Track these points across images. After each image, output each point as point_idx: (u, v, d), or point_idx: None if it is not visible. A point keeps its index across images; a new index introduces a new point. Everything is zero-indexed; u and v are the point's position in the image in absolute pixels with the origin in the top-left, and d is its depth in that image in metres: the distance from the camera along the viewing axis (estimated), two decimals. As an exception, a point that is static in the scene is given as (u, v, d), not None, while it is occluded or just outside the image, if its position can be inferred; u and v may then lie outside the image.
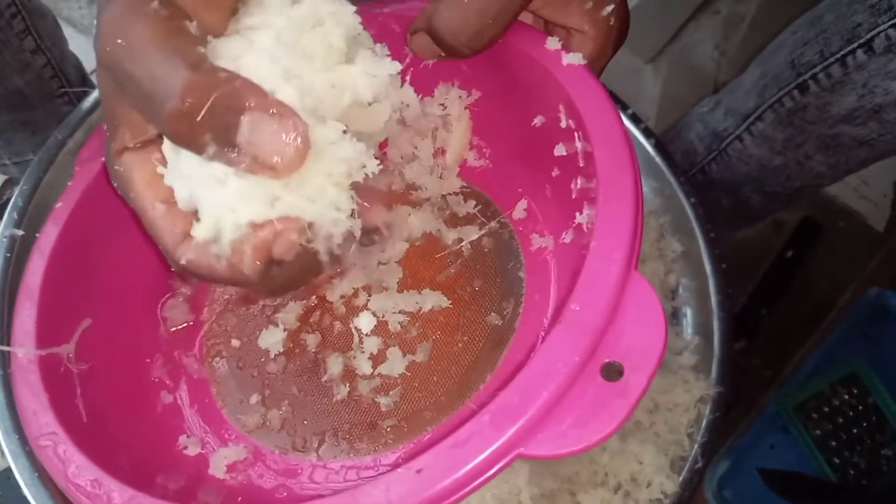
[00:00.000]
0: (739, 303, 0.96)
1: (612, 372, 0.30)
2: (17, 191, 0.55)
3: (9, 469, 0.84)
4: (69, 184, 0.46)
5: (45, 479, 0.47)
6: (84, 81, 0.77)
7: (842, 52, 0.58)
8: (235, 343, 0.50)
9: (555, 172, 0.45)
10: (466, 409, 0.44)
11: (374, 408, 0.46)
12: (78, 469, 0.36)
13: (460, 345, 0.47)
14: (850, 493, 0.77)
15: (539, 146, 0.45)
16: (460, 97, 0.49)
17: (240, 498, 0.43)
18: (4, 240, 0.54)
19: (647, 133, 0.60)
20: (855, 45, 0.57)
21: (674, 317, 0.57)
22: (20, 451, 0.48)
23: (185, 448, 0.45)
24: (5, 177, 0.88)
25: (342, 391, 0.46)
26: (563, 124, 0.41)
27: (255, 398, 0.48)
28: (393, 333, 0.48)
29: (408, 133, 0.51)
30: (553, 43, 0.40)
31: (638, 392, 0.30)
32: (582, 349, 0.30)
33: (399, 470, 0.30)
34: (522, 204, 0.49)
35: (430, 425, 0.44)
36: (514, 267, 0.49)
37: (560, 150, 0.42)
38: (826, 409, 0.81)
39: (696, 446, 0.49)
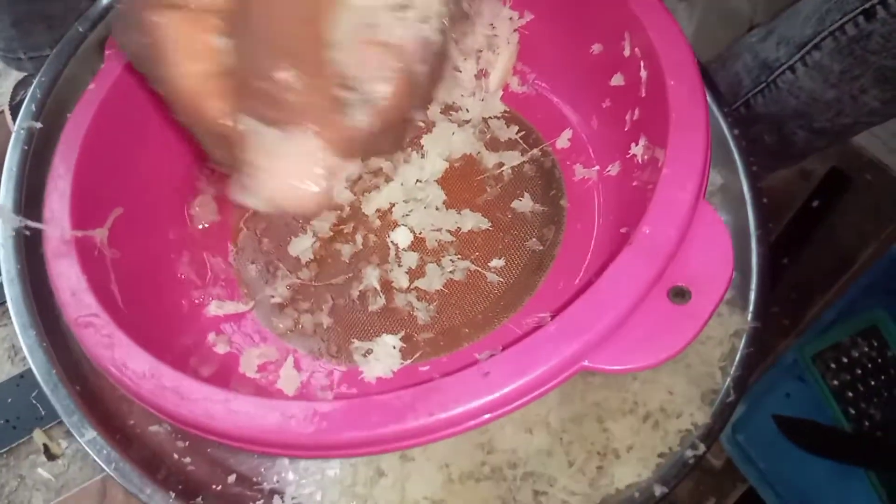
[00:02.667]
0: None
1: (680, 294, 0.31)
2: (34, 82, 0.53)
3: (19, 376, 0.84)
4: (101, 66, 0.44)
5: (62, 376, 0.46)
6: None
7: None
8: (266, 246, 0.49)
9: (606, 104, 0.44)
10: (505, 328, 0.43)
11: (410, 320, 0.45)
12: (126, 352, 0.35)
13: (499, 266, 0.45)
14: (864, 443, 0.77)
15: (592, 75, 0.44)
16: (511, 18, 0.48)
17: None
18: (22, 132, 0.52)
19: (693, 60, 0.58)
20: None
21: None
22: (37, 346, 0.47)
23: (215, 345, 0.45)
24: (19, 77, 0.85)
25: (378, 302, 0.46)
26: (627, 53, 0.40)
27: (286, 302, 0.46)
28: (430, 250, 0.47)
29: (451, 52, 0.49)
30: None
31: (706, 314, 0.30)
32: (652, 270, 0.31)
33: (467, 371, 0.30)
34: (567, 133, 0.49)
35: (467, 341, 0.44)
36: (556, 195, 0.48)
37: (617, 80, 0.43)
38: (844, 360, 0.80)
39: (728, 380, 0.48)
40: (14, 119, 0.95)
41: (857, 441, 0.77)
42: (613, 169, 0.44)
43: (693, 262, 0.32)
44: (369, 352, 0.43)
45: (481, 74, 0.51)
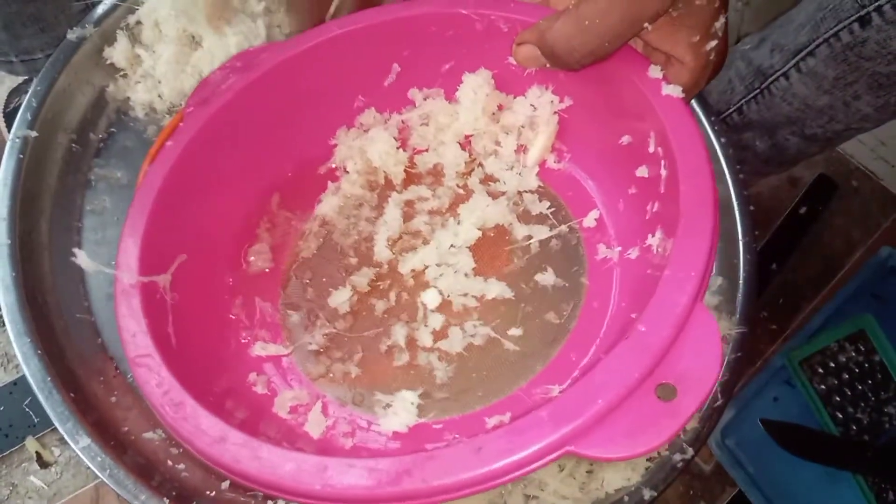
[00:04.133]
0: (750, 256, 0.95)
1: (667, 392, 0.33)
2: (30, 91, 0.54)
3: (12, 383, 0.85)
4: (181, 124, 0.48)
5: (56, 384, 0.47)
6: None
7: None
8: (310, 295, 0.51)
9: (632, 190, 0.47)
10: (515, 395, 0.46)
11: (429, 378, 0.48)
12: (170, 391, 0.38)
13: (516, 335, 0.49)
14: (851, 447, 0.78)
15: (621, 163, 0.47)
16: (552, 102, 0.51)
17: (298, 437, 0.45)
18: (18, 140, 0.52)
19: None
20: None
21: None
22: (32, 353, 0.47)
23: (255, 385, 0.47)
24: (13, 85, 0.85)
25: (402, 358, 0.48)
26: (651, 150, 0.43)
27: (321, 349, 0.49)
28: (455, 313, 0.50)
29: (494, 128, 0.54)
30: (655, 71, 0.42)
31: (687, 414, 0.32)
32: (642, 367, 0.33)
33: (460, 445, 0.32)
34: (594, 213, 0.51)
35: (479, 404, 0.46)
36: (578, 272, 0.51)
37: (642, 172, 0.45)
38: (832, 365, 0.81)
39: (716, 384, 0.49)
40: (8, 127, 0.95)
41: (844, 445, 0.78)
42: (633, 253, 0.46)
43: (683, 362, 0.34)
44: (389, 405, 0.45)
45: (520, 150, 0.54)
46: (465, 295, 0.50)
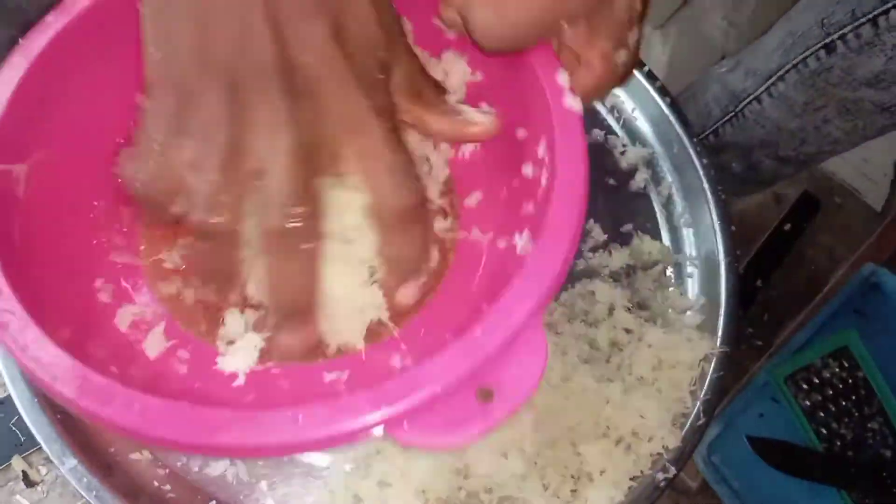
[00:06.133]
0: (735, 273, 0.96)
1: (485, 395, 0.35)
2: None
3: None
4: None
5: (43, 404, 0.47)
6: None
7: (875, 12, 0.58)
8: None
9: (515, 183, 0.47)
10: (358, 355, 0.46)
11: None
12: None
13: None
14: (836, 463, 0.78)
15: (513, 153, 0.47)
16: (465, 72, 0.49)
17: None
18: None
19: (663, 92, 0.60)
20: (889, 4, 0.56)
21: (678, 275, 0.57)
22: (18, 373, 0.47)
23: (99, 291, 0.45)
24: None
25: None
26: (540, 154, 0.42)
27: (177, 269, 0.47)
28: None
29: None
30: (563, 78, 0.41)
31: (497, 419, 0.34)
32: (467, 369, 0.34)
33: (282, 411, 0.33)
34: (478, 195, 0.50)
35: (322, 356, 0.45)
36: (448, 248, 0.50)
37: (527, 170, 0.45)
38: (816, 381, 0.82)
39: (698, 403, 0.49)
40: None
41: (828, 461, 0.79)
42: (501, 244, 0.47)
43: (508, 371, 0.35)
44: (232, 342, 0.44)
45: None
46: None
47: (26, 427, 0.47)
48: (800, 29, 0.65)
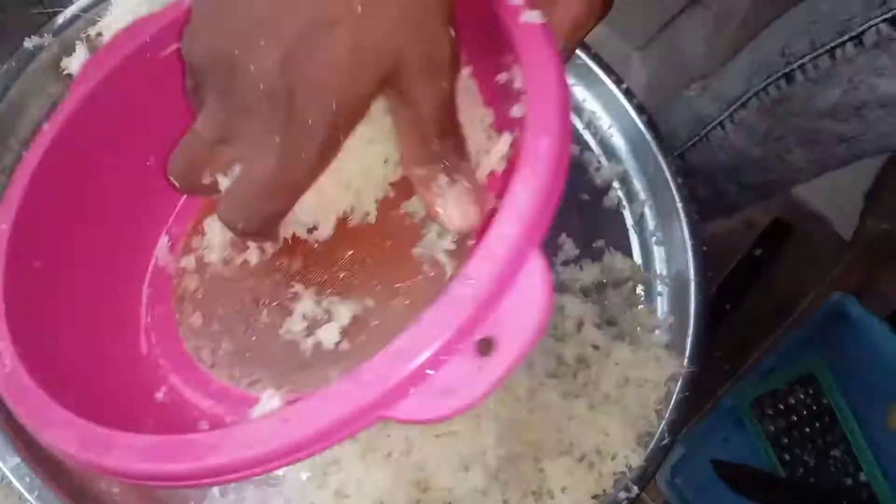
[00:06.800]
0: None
1: (485, 346, 0.31)
2: (-19, 98, 0.53)
3: None
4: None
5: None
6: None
7: (832, 44, 0.58)
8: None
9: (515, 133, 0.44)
10: None
11: None
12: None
13: None
14: (798, 489, 0.79)
15: (502, 103, 0.44)
16: None
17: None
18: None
19: (640, 110, 0.60)
20: (846, 37, 0.57)
21: (648, 293, 0.56)
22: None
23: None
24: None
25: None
26: (517, 85, 0.39)
27: None
28: None
29: None
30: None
31: (501, 372, 0.30)
32: (459, 325, 0.30)
33: (268, 419, 0.30)
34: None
35: None
36: None
37: (515, 112, 0.40)
38: (781, 407, 0.82)
39: (663, 423, 0.49)
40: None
41: (790, 487, 0.79)
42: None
43: (507, 316, 0.31)
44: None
45: None
46: None
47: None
48: (762, 57, 0.65)
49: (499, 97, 0.43)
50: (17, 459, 0.44)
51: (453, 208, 0.37)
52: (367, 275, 0.45)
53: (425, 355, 0.30)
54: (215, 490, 0.47)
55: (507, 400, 0.47)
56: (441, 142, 0.35)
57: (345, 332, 0.44)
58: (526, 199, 0.33)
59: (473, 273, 0.31)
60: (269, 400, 0.38)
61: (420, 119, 0.34)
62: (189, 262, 0.49)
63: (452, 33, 0.34)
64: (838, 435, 0.80)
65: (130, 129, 0.44)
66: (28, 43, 0.55)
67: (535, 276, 0.32)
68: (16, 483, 0.44)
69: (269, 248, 0.47)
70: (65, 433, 0.31)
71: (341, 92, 0.32)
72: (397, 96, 0.34)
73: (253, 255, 0.47)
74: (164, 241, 0.49)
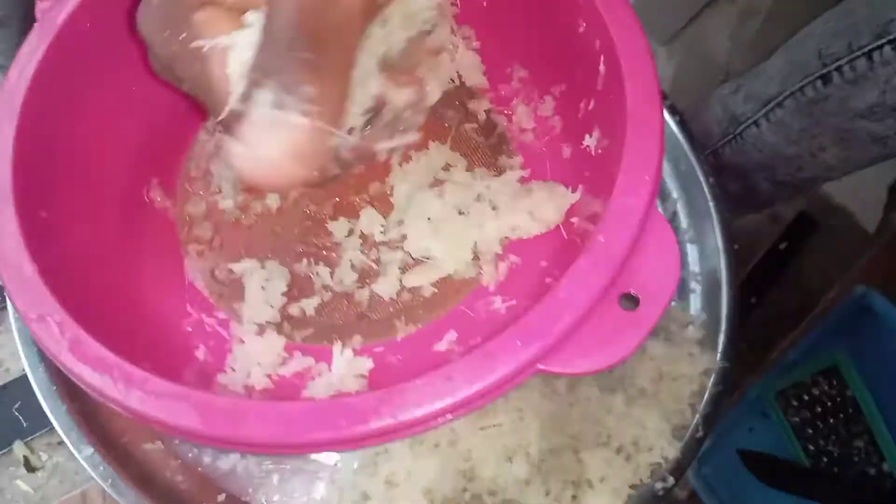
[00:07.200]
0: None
1: (629, 301, 0.33)
2: None
3: (1, 387, 0.85)
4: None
5: (62, 393, 0.48)
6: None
7: (870, 47, 0.59)
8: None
9: (561, 88, 0.46)
10: (457, 310, 0.46)
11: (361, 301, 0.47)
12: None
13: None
14: (822, 479, 0.80)
15: (549, 58, 0.46)
16: None
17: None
18: None
19: (672, 110, 0.61)
20: (884, 40, 0.58)
21: (681, 291, 0.58)
22: (38, 362, 0.48)
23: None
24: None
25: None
26: (597, 46, 0.40)
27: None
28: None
29: None
30: None
31: (651, 322, 0.32)
32: (605, 278, 0.32)
33: (429, 375, 0.31)
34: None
35: (421, 322, 0.46)
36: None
37: (574, 68, 0.43)
38: (805, 398, 0.84)
39: (697, 416, 0.51)
40: None
41: (814, 476, 0.80)
42: (566, 152, 0.46)
43: (644, 270, 0.33)
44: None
45: None
46: None
47: (29, 412, 0.49)
48: (799, 58, 0.66)
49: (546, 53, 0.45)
50: (91, 450, 0.47)
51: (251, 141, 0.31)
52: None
53: (579, 309, 0.32)
54: (274, 478, 0.49)
55: (549, 394, 0.50)
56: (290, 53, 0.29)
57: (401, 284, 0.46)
58: (646, 164, 0.34)
59: (608, 233, 0.33)
60: (343, 353, 0.41)
61: (283, 18, 0.29)
62: (196, 208, 0.49)
63: None
64: (862, 426, 0.81)
65: (111, 57, 0.43)
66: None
67: (664, 234, 0.34)
68: (90, 471, 0.46)
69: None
70: (179, 406, 0.31)
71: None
72: None
73: (273, 199, 0.48)
74: (154, 183, 0.49)
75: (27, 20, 0.66)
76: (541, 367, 0.32)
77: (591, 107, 0.42)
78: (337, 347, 0.44)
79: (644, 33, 0.39)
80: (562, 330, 0.31)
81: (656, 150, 0.35)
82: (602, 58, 0.39)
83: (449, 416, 0.32)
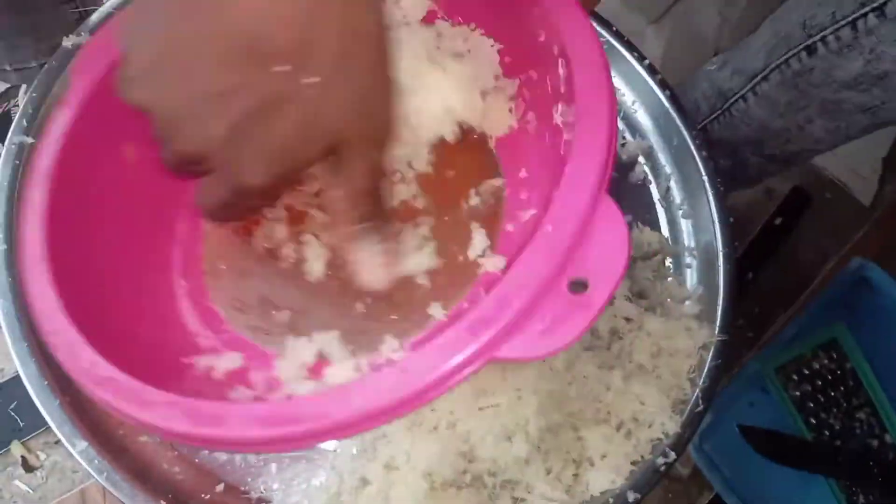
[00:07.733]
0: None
1: (578, 286, 0.34)
2: (26, 98, 0.54)
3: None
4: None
5: (54, 388, 0.47)
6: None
7: (854, 16, 0.59)
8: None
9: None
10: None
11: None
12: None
13: None
14: (824, 451, 0.80)
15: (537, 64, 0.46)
16: None
17: None
18: (13, 147, 0.53)
19: (663, 85, 0.61)
20: (868, 8, 0.57)
21: (676, 266, 0.58)
22: (28, 357, 0.48)
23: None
24: (6, 85, 0.85)
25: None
26: (555, 51, 0.42)
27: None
28: None
29: None
30: None
31: (599, 304, 0.33)
32: (552, 266, 0.33)
33: (384, 370, 0.32)
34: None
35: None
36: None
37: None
38: (806, 372, 0.84)
39: (697, 391, 0.51)
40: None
41: (816, 450, 0.80)
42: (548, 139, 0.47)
43: (592, 255, 0.34)
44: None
45: None
46: None
47: (26, 412, 0.48)
48: (783, 30, 0.66)
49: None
50: (85, 444, 0.46)
51: (363, 267, 0.41)
52: None
53: (527, 297, 0.32)
54: (272, 466, 0.49)
55: (546, 373, 0.49)
56: (367, 204, 0.38)
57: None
58: (594, 148, 0.35)
59: (557, 219, 0.34)
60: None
61: (352, 183, 0.37)
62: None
63: (394, 109, 0.36)
64: (863, 398, 0.81)
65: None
66: (67, 42, 0.56)
67: (611, 218, 0.35)
68: (84, 465, 0.46)
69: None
70: (170, 412, 0.32)
71: (282, 162, 0.34)
72: (334, 160, 0.35)
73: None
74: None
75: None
76: (496, 354, 0.33)
77: (559, 111, 0.44)
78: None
79: (594, 33, 0.40)
80: (510, 319, 0.32)
81: (603, 140, 0.36)
82: (560, 61, 0.41)
83: (403, 410, 0.32)
